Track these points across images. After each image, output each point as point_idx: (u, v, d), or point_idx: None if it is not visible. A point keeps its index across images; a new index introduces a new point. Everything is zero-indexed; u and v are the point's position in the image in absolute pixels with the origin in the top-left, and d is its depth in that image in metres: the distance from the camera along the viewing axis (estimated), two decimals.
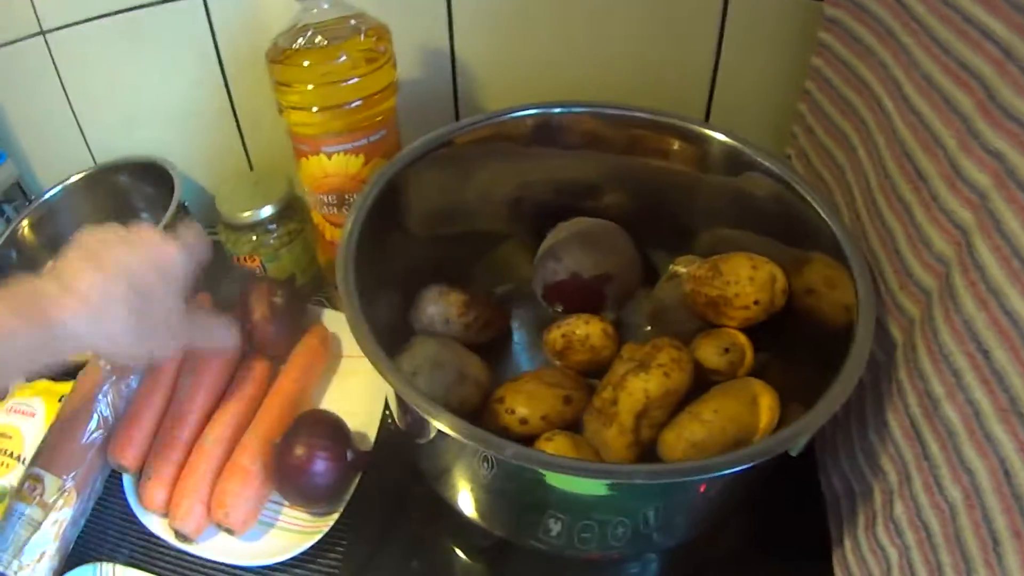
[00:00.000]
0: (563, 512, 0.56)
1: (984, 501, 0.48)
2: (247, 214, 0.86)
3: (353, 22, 0.72)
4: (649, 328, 0.78)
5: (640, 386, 0.62)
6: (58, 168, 0.96)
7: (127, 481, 0.71)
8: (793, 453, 0.53)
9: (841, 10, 0.71)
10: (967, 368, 0.50)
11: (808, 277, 0.65)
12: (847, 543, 0.64)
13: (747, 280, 0.66)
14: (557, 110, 0.74)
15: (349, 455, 0.68)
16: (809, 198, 0.65)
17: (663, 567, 0.68)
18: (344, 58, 0.70)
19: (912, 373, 0.56)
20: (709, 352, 0.67)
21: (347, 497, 0.70)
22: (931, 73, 0.56)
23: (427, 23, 0.88)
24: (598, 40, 0.87)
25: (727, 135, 0.72)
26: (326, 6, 0.71)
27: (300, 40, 0.71)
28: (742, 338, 0.68)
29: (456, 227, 0.79)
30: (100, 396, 0.71)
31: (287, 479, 0.67)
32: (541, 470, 0.50)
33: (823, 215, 0.63)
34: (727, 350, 0.66)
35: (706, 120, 0.92)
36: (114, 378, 0.72)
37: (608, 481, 0.51)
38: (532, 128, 0.74)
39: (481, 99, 0.94)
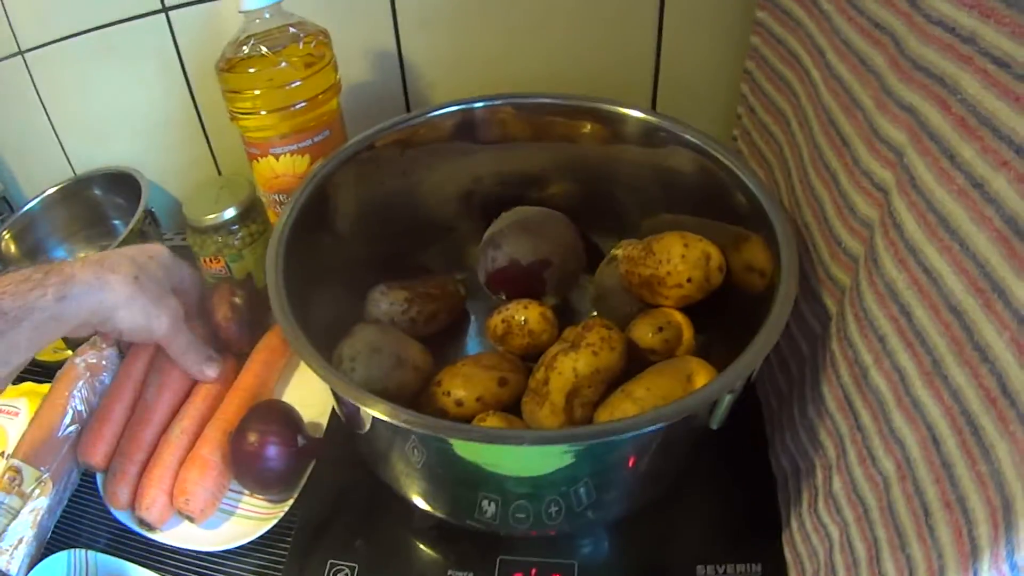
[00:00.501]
0: (495, 492, 0.55)
1: (915, 472, 0.45)
2: (210, 217, 0.86)
3: (293, 29, 0.75)
4: (594, 313, 0.75)
5: (569, 365, 0.60)
6: (41, 181, 1.00)
7: (99, 475, 0.73)
8: (713, 425, 0.50)
9: None
10: (891, 332, 0.47)
11: (746, 254, 0.62)
12: (793, 523, 0.61)
13: (679, 258, 0.63)
14: (478, 104, 0.73)
15: (300, 441, 0.69)
16: (736, 170, 0.62)
17: (613, 543, 0.66)
18: (285, 64, 0.73)
19: (843, 342, 0.53)
20: (644, 331, 0.65)
21: (301, 483, 0.71)
22: (848, 35, 0.53)
23: (373, 25, 0.88)
24: (540, 32, 0.87)
25: (643, 111, 0.70)
26: (268, 16, 0.73)
27: (245, 49, 0.73)
28: (678, 316, 0.65)
29: (408, 220, 0.78)
30: (75, 393, 0.74)
31: (242, 466, 0.68)
32: (444, 438, 0.50)
33: (750, 187, 0.61)
34: (661, 328, 0.64)
35: (652, 106, 0.91)
36: (88, 375, 0.75)
37: (503, 446, 0.49)
38: (457, 125, 0.74)
39: (431, 96, 0.94)
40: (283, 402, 0.74)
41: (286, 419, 0.71)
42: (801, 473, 0.61)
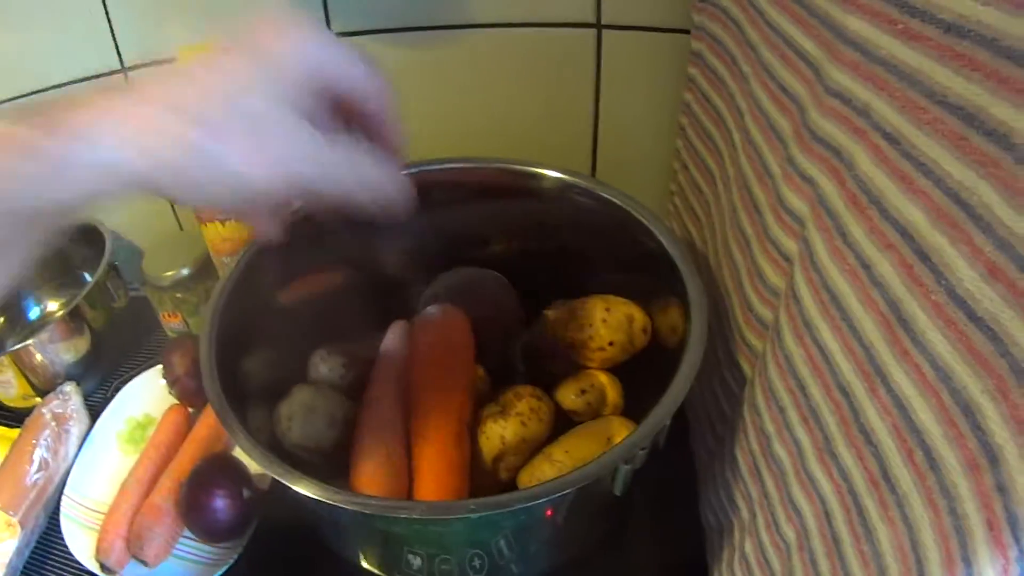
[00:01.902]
0: (418, 547, 0.53)
1: (811, 543, 0.43)
2: (168, 274, 0.87)
3: None
4: (524, 371, 0.72)
5: (497, 432, 0.59)
6: None
7: (63, 520, 0.73)
8: (617, 492, 0.47)
9: (702, 43, 0.67)
10: (790, 404, 0.44)
11: (671, 316, 0.59)
12: None
13: (600, 322, 0.61)
14: (411, 171, 0.72)
15: (245, 494, 0.68)
16: (655, 231, 0.60)
17: None
18: None
19: (752, 410, 0.50)
20: (567, 394, 0.63)
21: (250, 532, 0.70)
22: (760, 99, 0.51)
23: None
24: (482, 94, 0.86)
25: (561, 172, 0.68)
26: None
27: None
28: (603, 378, 0.63)
29: (352, 280, 0.76)
30: (41, 442, 0.75)
31: (191, 516, 0.68)
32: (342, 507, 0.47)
33: (667, 249, 0.58)
34: (584, 391, 0.62)
35: (592, 167, 0.90)
36: (54, 424, 0.76)
37: (389, 516, 0.48)
38: None
39: None
40: (232, 456, 0.73)
41: (234, 473, 0.70)
42: (724, 530, 0.59)
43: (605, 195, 0.65)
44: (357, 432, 0.60)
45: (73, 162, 0.34)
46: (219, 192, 0.37)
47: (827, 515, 0.40)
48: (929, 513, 0.32)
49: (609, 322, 0.61)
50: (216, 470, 0.70)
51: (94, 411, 0.84)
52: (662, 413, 0.48)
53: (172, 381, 0.79)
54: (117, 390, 0.86)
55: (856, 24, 0.37)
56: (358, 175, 0.41)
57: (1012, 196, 0.28)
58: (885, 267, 0.35)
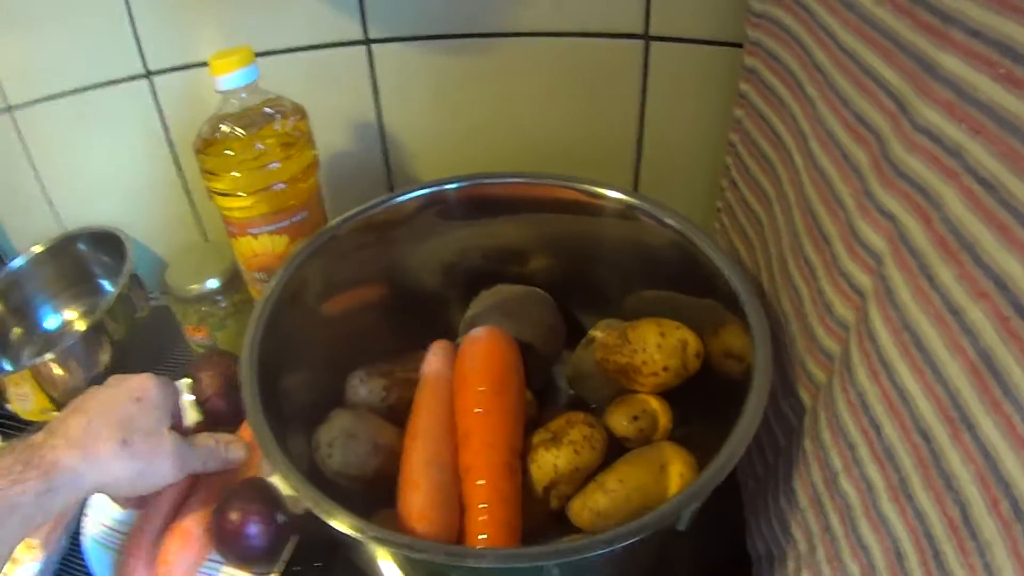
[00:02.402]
0: None
1: None
2: (194, 287, 0.86)
3: (268, 109, 0.73)
4: (572, 392, 0.73)
5: (550, 461, 0.59)
6: (31, 237, 1.00)
7: (85, 541, 0.72)
8: (681, 527, 0.48)
9: (757, 59, 0.67)
10: (861, 442, 0.45)
11: (725, 339, 0.61)
12: None
13: (655, 347, 0.62)
14: (451, 186, 0.73)
15: (279, 518, 0.69)
16: (712, 255, 0.61)
17: None
18: (261, 146, 0.71)
19: (815, 443, 0.51)
20: (619, 420, 0.64)
21: (285, 557, 0.70)
22: (832, 127, 0.52)
23: (354, 97, 0.88)
24: (521, 105, 0.87)
25: (619, 191, 0.69)
26: (244, 95, 0.72)
27: (222, 129, 0.71)
28: (654, 403, 0.63)
29: (391, 297, 0.77)
30: None
31: (225, 542, 0.68)
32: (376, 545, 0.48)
33: (725, 273, 0.59)
34: (636, 418, 0.62)
35: (635, 181, 0.90)
36: None
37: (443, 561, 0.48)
38: (435, 204, 0.74)
39: (412, 167, 0.94)
40: (265, 480, 0.73)
41: (268, 497, 0.70)
42: (775, 560, 0.59)
43: (666, 219, 0.67)
44: (403, 462, 0.60)
45: (59, 489, 0.53)
46: (145, 490, 0.61)
47: (898, 554, 0.41)
48: (1013, 563, 0.33)
49: (664, 347, 0.62)
50: (250, 494, 0.70)
51: None
52: (733, 448, 0.49)
53: (202, 401, 0.78)
54: None
55: (951, 63, 0.38)
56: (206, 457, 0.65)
57: None
58: (976, 315, 0.36)
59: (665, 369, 0.62)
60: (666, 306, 0.66)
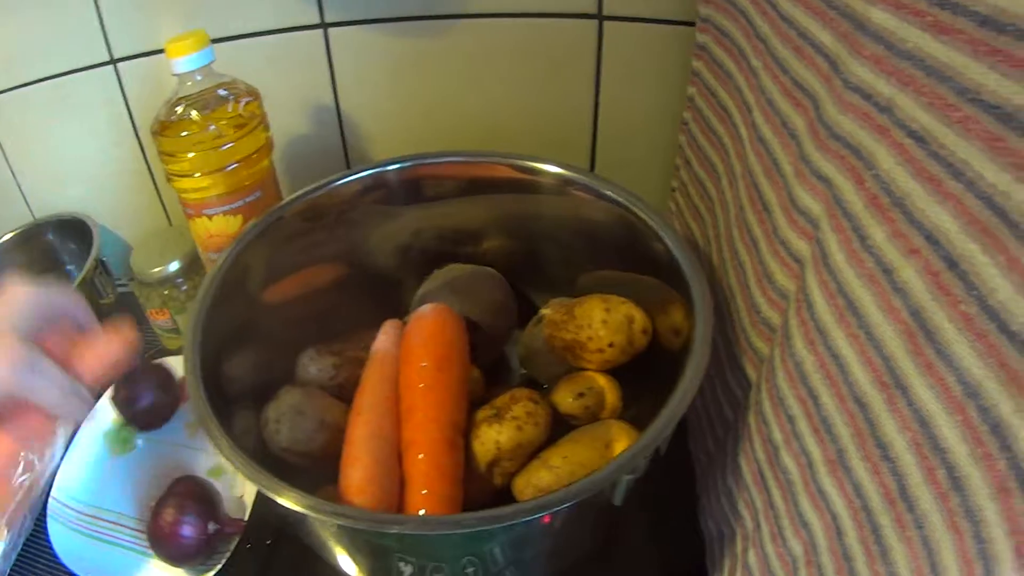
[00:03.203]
0: (408, 555, 0.50)
1: (820, 559, 0.41)
2: (156, 270, 0.84)
3: (223, 91, 0.72)
4: (523, 371, 0.71)
5: (492, 437, 0.56)
6: (2, 224, 0.98)
7: (50, 523, 0.70)
8: (616, 502, 0.45)
9: (708, 36, 0.64)
10: (800, 414, 0.42)
11: (672, 316, 0.57)
12: None
13: (600, 323, 0.59)
14: (391, 168, 0.70)
15: (211, 527, 0.66)
16: (657, 228, 0.57)
17: None
18: (214, 127, 0.70)
19: (758, 416, 0.48)
20: (564, 397, 0.61)
21: (228, 550, 0.68)
22: (773, 95, 0.49)
23: (311, 80, 0.86)
24: (477, 86, 0.84)
25: (559, 166, 0.66)
26: (199, 78, 0.71)
27: (178, 110, 0.70)
28: (601, 381, 0.60)
29: (343, 277, 0.74)
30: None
31: (157, 540, 0.66)
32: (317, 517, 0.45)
33: (670, 247, 0.56)
34: (581, 395, 0.59)
35: (591, 162, 0.87)
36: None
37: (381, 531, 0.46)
38: (384, 185, 0.71)
39: (369, 149, 0.91)
40: (203, 479, 0.71)
41: (204, 498, 0.68)
42: (725, 539, 0.57)
43: (607, 192, 0.63)
44: (346, 438, 0.58)
45: None
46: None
47: (838, 531, 0.39)
48: (951, 536, 0.30)
49: (609, 323, 0.59)
50: (187, 494, 0.68)
51: None
52: (665, 421, 0.45)
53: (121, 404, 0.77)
54: (105, 389, 0.83)
55: (880, 16, 0.35)
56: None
57: None
58: (908, 273, 0.33)
59: (611, 345, 0.59)
60: (616, 284, 0.63)
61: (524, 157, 0.67)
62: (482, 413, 0.58)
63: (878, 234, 0.35)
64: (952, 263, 0.30)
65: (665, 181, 0.82)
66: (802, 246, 0.44)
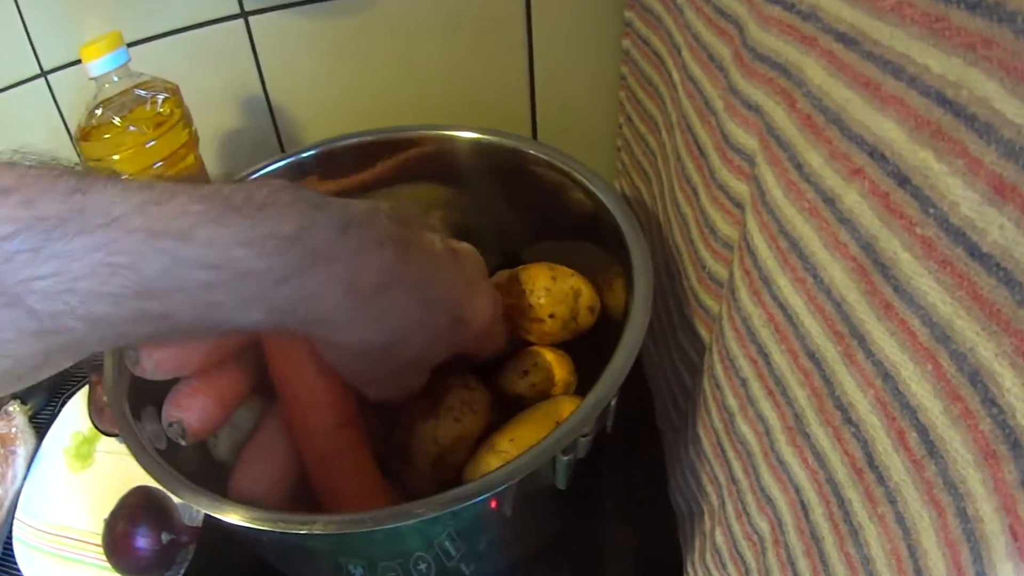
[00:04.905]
0: (354, 557, 0.45)
1: (787, 538, 0.33)
2: None
3: (141, 91, 0.67)
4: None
5: (429, 433, 0.49)
6: None
7: (16, 545, 0.65)
8: (560, 485, 0.37)
9: None
10: (752, 376, 0.35)
11: (617, 285, 0.50)
12: (689, 569, 0.49)
13: (543, 291, 0.52)
14: (307, 153, 0.64)
15: (164, 538, 0.61)
16: (592, 188, 0.50)
17: None
18: (134, 128, 0.65)
19: (711, 381, 0.41)
20: (509, 377, 0.53)
21: (185, 560, 0.62)
22: (698, 29, 0.41)
23: (238, 74, 0.79)
24: (406, 62, 0.77)
25: (480, 132, 0.58)
26: (116, 79, 0.65)
27: (97, 115, 0.65)
28: (548, 355, 0.53)
29: None
30: None
31: (113, 553, 0.61)
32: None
33: (606, 204, 0.48)
34: (526, 372, 0.52)
35: (533, 130, 0.80)
36: None
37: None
38: (291, 175, 0.64)
39: (303, 137, 0.84)
40: (157, 490, 0.64)
41: (157, 507, 0.62)
42: (695, 517, 0.49)
43: (531, 151, 0.56)
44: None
45: None
46: None
47: (803, 506, 0.31)
48: (930, 512, 0.23)
49: (553, 292, 0.51)
50: (139, 504, 0.62)
51: (42, 430, 0.75)
52: (602, 393, 0.38)
53: (98, 409, 0.72)
54: (63, 405, 0.77)
55: None
56: None
57: (1016, 82, 0.18)
58: (853, 198, 0.25)
59: (552, 316, 0.51)
60: (560, 254, 0.56)
61: (443, 127, 0.60)
62: (415, 406, 0.50)
63: (815, 159, 0.28)
64: (902, 179, 0.23)
65: (611, 143, 0.74)
66: (741, 188, 0.37)
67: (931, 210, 0.21)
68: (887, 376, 0.24)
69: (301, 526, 0.37)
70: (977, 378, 0.20)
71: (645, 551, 0.56)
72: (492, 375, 0.54)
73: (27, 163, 0.31)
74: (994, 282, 0.19)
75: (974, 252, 0.20)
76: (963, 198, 0.20)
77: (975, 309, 0.20)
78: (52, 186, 0.29)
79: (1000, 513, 0.20)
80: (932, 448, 0.23)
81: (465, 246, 0.44)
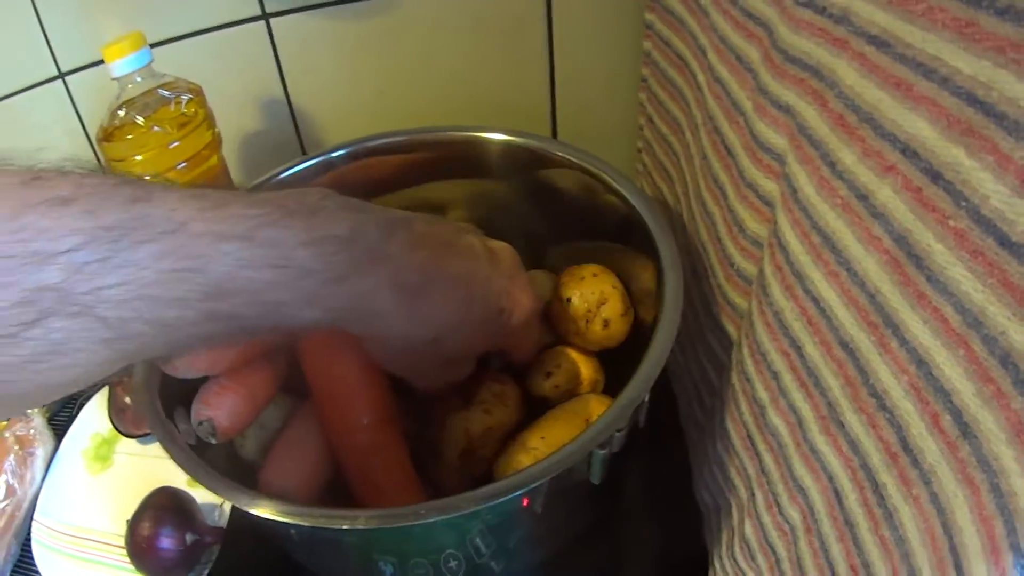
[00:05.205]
0: (386, 554, 0.46)
1: (820, 526, 0.35)
2: None
3: (164, 92, 0.68)
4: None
5: (461, 425, 0.50)
6: None
7: (35, 547, 0.66)
8: (594, 480, 0.39)
9: None
10: (784, 368, 0.37)
11: (645, 282, 0.52)
12: (716, 564, 0.51)
13: (577, 293, 0.53)
14: (337, 154, 0.65)
15: (188, 538, 0.62)
16: (620, 188, 0.51)
17: None
18: (157, 128, 0.66)
19: (741, 377, 0.43)
20: (535, 380, 0.55)
21: (210, 561, 0.63)
22: (724, 31, 0.43)
23: (260, 75, 0.80)
24: (427, 63, 0.79)
25: (507, 134, 0.60)
26: (139, 79, 0.67)
27: (120, 115, 0.66)
28: (572, 354, 0.54)
29: None
30: (6, 467, 0.69)
31: (137, 555, 0.62)
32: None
33: (634, 204, 0.50)
34: (549, 374, 0.53)
35: (553, 130, 0.81)
36: (18, 447, 0.71)
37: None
38: (315, 174, 0.66)
39: (324, 138, 0.86)
40: (180, 490, 0.66)
41: (180, 508, 0.64)
42: (722, 511, 0.51)
43: (558, 153, 0.57)
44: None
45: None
46: None
47: (837, 494, 0.33)
48: (964, 491, 0.25)
49: (585, 294, 0.53)
50: (163, 505, 0.64)
51: (60, 431, 0.76)
52: (636, 390, 0.40)
53: (119, 409, 0.73)
54: (82, 407, 0.78)
55: None
56: None
57: None
58: (886, 194, 0.27)
59: (588, 321, 0.53)
60: (585, 255, 0.58)
61: (469, 128, 0.62)
62: (448, 403, 0.52)
63: (848, 157, 0.30)
64: (935, 175, 0.25)
65: (630, 144, 0.76)
66: (771, 186, 0.39)
67: (963, 203, 0.23)
68: (921, 362, 0.26)
69: (343, 521, 0.39)
70: (1008, 360, 0.22)
71: (670, 549, 0.58)
72: (519, 379, 0.56)
73: (79, 171, 0.32)
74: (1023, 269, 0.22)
75: (1004, 242, 0.22)
76: (993, 191, 0.22)
77: (1005, 295, 0.22)
78: (112, 194, 0.31)
79: None
80: (965, 429, 0.24)
81: (501, 244, 0.46)
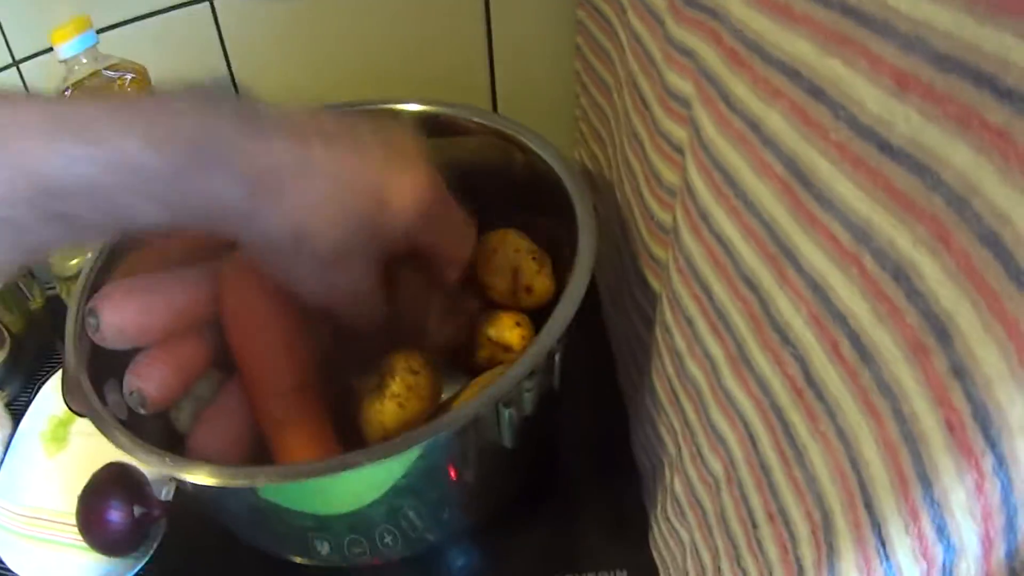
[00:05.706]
0: (319, 530, 0.44)
1: (739, 473, 0.33)
2: (73, 263, 0.77)
3: (109, 72, 0.66)
4: None
5: (376, 418, 0.47)
6: None
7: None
8: (506, 444, 0.37)
9: None
10: (697, 313, 0.35)
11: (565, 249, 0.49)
12: (654, 524, 0.49)
13: (491, 252, 0.50)
14: None
15: (136, 511, 0.59)
16: (534, 147, 0.48)
17: (485, 557, 0.54)
18: None
19: (662, 328, 0.41)
20: (460, 354, 0.52)
21: (154, 542, 0.61)
22: None
23: (205, 57, 0.78)
24: (369, 40, 0.76)
25: (419, 103, 0.56)
26: (85, 61, 0.65)
27: (67, 96, 0.65)
28: (502, 324, 0.51)
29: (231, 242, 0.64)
30: None
31: (86, 529, 0.60)
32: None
33: (550, 164, 0.47)
34: (480, 346, 0.50)
35: (493, 102, 0.79)
36: None
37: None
38: None
39: None
40: (129, 465, 0.63)
41: (130, 483, 0.61)
42: (656, 470, 0.49)
43: (476, 120, 0.54)
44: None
45: None
46: None
47: (752, 440, 0.31)
48: (868, 420, 0.23)
49: (499, 255, 0.50)
50: (112, 480, 0.61)
51: (18, 415, 0.73)
52: (538, 347, 0.37)
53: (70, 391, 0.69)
54: (39, 390, 0.75)
55: None
56: None
57: None
58: (774, 119, 0.25)
59: (500, 278, 0.50)
60: (519, 224, 0.54)
61: (390, 100, 0.58)
62: (367, 384, 0.49)
63: (740, 88, 0.28)
64: (817, 91, 0.23)
65: (570, 114, 0.74)
66: (681, 134, 0.37)
67: (841, 113, 0.21)
68: (817, 287, 0.24)
69: (246, 479, 0.36)
70: (900, 272, 0.20)
71: (613, 516, 0.55)
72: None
73: None
74: (905, 172, 0.19)
75: (884, 146, 0.20)
76: (869, 95, 0.20)
77: (890, 203, 0.20)
78: None
79: (934, 407, 0.19)
80: (864, 353, 0.22)
81: (405, 136, 0.40)
